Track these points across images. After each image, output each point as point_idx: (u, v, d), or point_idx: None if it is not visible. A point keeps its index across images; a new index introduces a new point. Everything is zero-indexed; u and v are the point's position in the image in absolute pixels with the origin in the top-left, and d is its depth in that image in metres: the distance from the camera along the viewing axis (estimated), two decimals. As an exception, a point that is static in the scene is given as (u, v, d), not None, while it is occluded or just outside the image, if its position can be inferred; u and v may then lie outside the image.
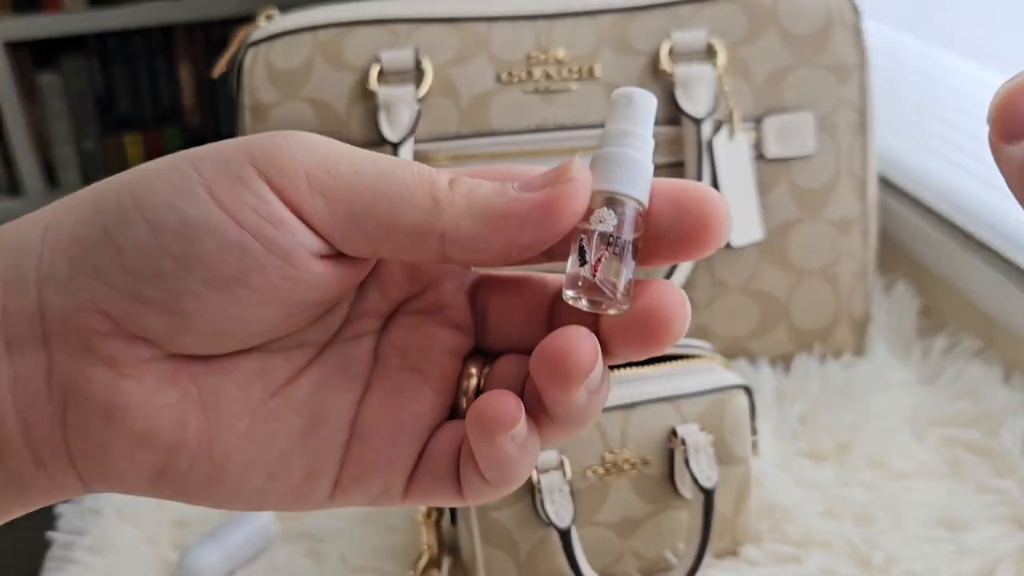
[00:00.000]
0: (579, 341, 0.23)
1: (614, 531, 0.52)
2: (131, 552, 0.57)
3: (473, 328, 0.26)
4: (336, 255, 0.23)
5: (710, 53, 0.65)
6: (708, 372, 0.53)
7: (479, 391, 0.26)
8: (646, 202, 0.24)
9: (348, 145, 0.24)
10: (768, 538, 0.55)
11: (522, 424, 0.23)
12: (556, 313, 0.25)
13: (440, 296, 0.26)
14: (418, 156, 0.63)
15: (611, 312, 0.24)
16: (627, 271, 0.23)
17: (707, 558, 0.51)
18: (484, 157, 0.64)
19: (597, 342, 0.23)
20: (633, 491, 0.52)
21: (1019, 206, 0.19)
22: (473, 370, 0.26)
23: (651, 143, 0.24)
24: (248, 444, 0.24)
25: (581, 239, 0.24)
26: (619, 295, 0.23)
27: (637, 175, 0.24)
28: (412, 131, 0.62)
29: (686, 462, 0.50)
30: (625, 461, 0.51)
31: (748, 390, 0.53)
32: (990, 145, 0.20)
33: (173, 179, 0.22)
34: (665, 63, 0.64)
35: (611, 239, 0.23)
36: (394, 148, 0.62)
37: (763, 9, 0.66)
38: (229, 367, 0.24)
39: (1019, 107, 0.19)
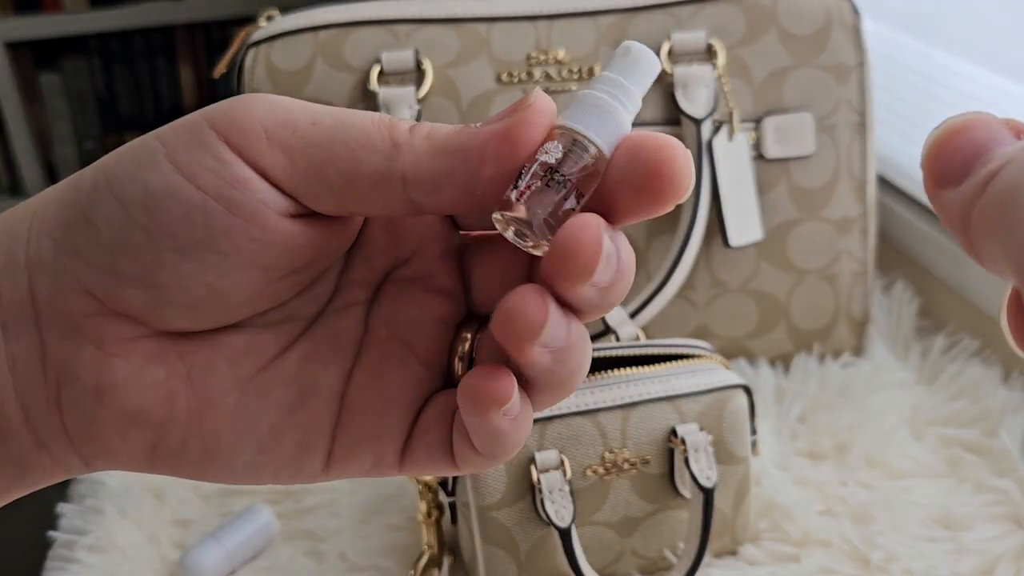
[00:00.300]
0: (527, 301, 0.22)
1: (614, 530, 0.52)
2: (132, 551, 0.57)
3: (462, 294, 0.26)
4: (305, 213, 0.23)
5: (710, 53, 0.65)
6: (708, 372, 0.53)
7: (472, 357, 0.26)
8: (607, 151, 0.23)
9: (310, 103, 0.23)
10: (767, 537, 0.56)
11: (515, 399, 0.23)
12: (534, 272, 0.25)
13: (425, 262, 0.26)
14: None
15: (536, 252, 0.23)
16: (556, 208, 0.22)
17: (707, 557, 0.51)
18: (484, 157, 0.64)
19: (549, 299, 0.22)
20: (633, 490, 0.52)
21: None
22: (467, 335, 0.26)
23: (636, 99, 0.23)
24: (237, 419, 0.25)
25: (524, 166, 0.23)
26: (538, 227, 0.22)
27: (604, 121, 0.23)
28: (412, 131, 0.62)
29: (686, 461, 0.50)
30: (625, 461, 0.51)
31: (748, 390, 0.53)
32: (927, 193, 0.20)
33: (138, 153, 0.23)
34: (665, 63, 0.64)
35: (550, 171, 0.23)
36: (394, 148, 0.62)
37: (762, 10, 0.66)
38: (217, 344, 0.25)
39: (951, 152, 0.19)
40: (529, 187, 0.22)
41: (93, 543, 0.57)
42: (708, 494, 0.50)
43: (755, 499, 0.56)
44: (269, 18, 0.66)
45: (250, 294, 0.24)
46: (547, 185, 0.22)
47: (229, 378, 0.25)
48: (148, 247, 0.22)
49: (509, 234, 0.23)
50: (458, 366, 0.26)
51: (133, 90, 1.83)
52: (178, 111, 1.84)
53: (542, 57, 0.65)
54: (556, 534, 0.50)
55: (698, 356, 0.54)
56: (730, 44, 0.65)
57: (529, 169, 0.23)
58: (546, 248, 0.22)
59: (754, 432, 0.54)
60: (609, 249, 0.22)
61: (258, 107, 0.23)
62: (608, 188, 0.23)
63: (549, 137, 0.23)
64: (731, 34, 0.65)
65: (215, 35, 1.80)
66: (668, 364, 0.53)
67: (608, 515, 0.52)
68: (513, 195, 0.22)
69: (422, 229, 0.26)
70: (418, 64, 0.63)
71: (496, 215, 0.23)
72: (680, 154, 0.22)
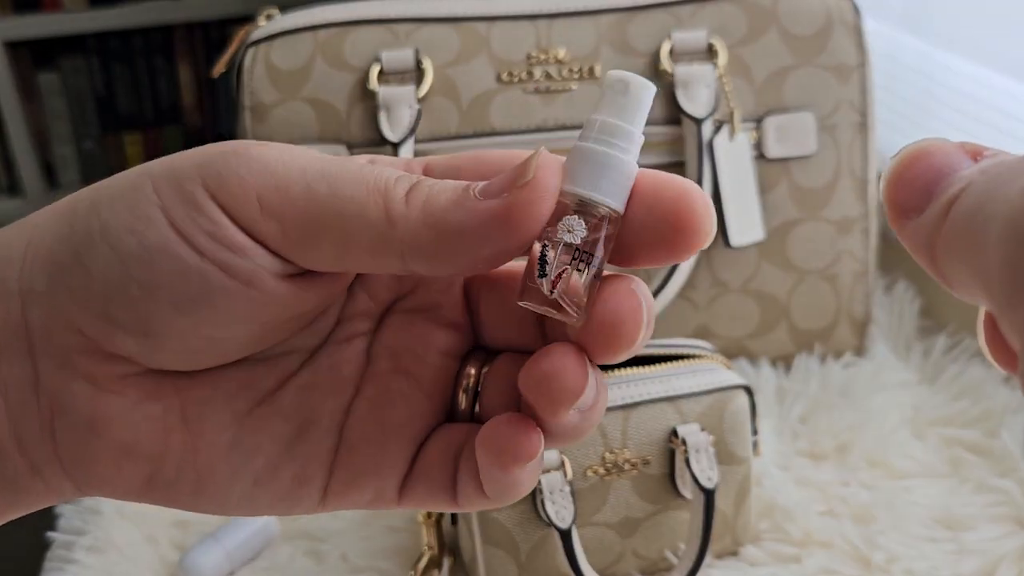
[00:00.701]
0: (566, 364, 0.21)
1: (615, 531, 0.52)
2: (131, 552, 0.57)
3: (468, 326, 0.26)
4: (303, 272, 0.23)
5: (711, 53, 0.65)
6: (709, 372, 0.53)
7: (477, 393, 0.25)
8: (623, 208, 0.22)
9: (307, 155, 0.23)
10: (768, 538, 0.55)
11: (540, 456, 0.23)
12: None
13: (431, 294, 0.25)
14: (418, 156, 0.63)
15: (566, 320, 0.22)
16: (589, 284, 0.22)
17: (707, 558, 0.51)
18: (484, 157, 0.64)
19: (586, 361, 0.22)
20: (634, 491, 0.52)
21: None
22: (471, 370, 0.25)
23: (639, 140, 0.22)
24: (233, 454, 0.24)
25: (545, 246, 0.21)
26: (577, 310, 0.21)
27: (616, 179, 0.22)
28: (412, 131, 0.62)
29: (687, 462, 0.50)
30: (626, 461, 0.51)
31: (749, 390, 0.53)
32: (891, 223, 0.19)
33: (133, 201, 0.22)
34: (665, 63, 0.64)
35: (577, 252, 0.21)
36: (394, 148, 0.62)
37: (763, 9, 0.65)
38: (214, 379, 0.24)
39: (910, 180, 0.19)
40: (560, 275, 0.21)
41: (92, 543, 0.57)
42: (709, 495, 0.50)
43: (756, 500, 0.56)
44: (268, 17, 0.66)
45: (248, 342, 0.23)
46: (578, 269, 0.21)
47: (225, 414, 0.24)
48: (143, 300, 0.22)
49: (541, 311, 0.22)
50: (462, 399, 0.25)
51: (132, 89, 1.82)
52: (177, 110, 1.84)
53: (542, 56, 0.64)
54: (557, 535, 0.49)
55: (699, 356, 0.54)
56: (731, 43, 0.65)
57: (554, 253, 0.21)
58: (577, 319, 0.22)
59: (755, 432, 0.54)
60: (646, 313, 0.22)
61: (249, 167, 0.22)
62: (628, 238, 0.22)
63: (560, 210, 0.22)
64: (732, 33, 0.65)
65: (214, 34, 1.80)
66: (669, 364, 0.53)
67: (609, 516, 0.52)
68: (544, 285, 0.21)
69: None
70: (418, 63, 0.63)
71: (524, 303, 0.22)
72: (700, 203, 0.21)
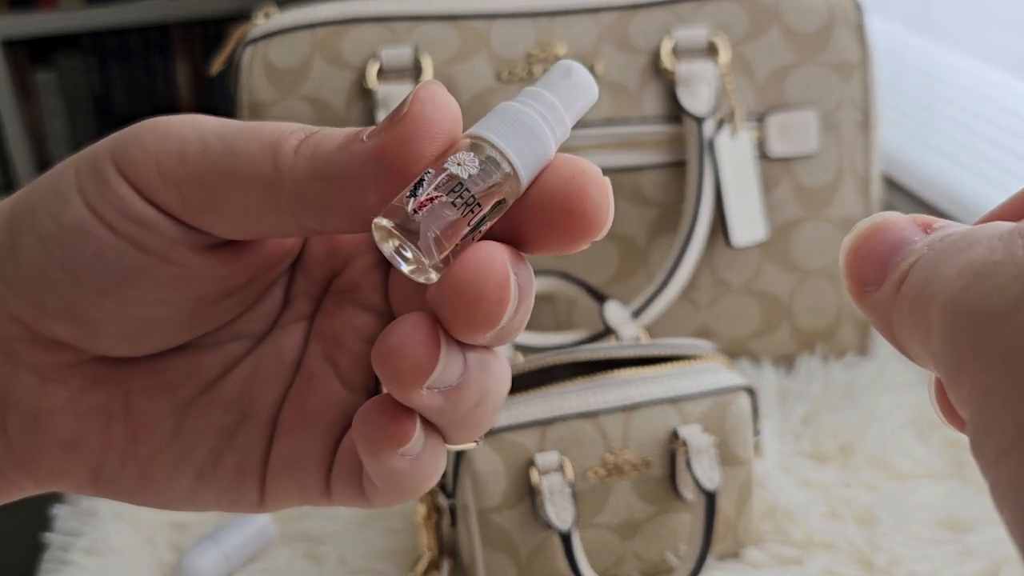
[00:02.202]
0: (409, 337, 0.19)
1: (615, 533, 0.52)
2: (127, 554, 0.56)
3: (390, 311, 0.24)
4: (220, 243, 0.22)
5: (712, 51, 0.64)
6: (710, 373, 0.53)
7: None
8: (523, 179, 0.20)
9: (210, 119, 0.22)
10: (770, 539, 0.55)
11: (416, 440, 0.21)
12: None
13: (355, 274, 0.24)
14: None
15: (418, 278, 0.20)
16: (453, 230, 0.19)
17: (709, 560, 0.51)
18: (484, 155, 0.63)
19: (438, 335, 0.20)
20: (634, 493, 0.51)
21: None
22: None
23: (566, 127, 0.21)
24: (175, 444, 0.24)
25: (427, 172, 0.19)
26: (425, 246, 0.19)
27: (532, 146, 0.20)
28: (411, 129, 0.62)
29: (688, 464, 0.50)
30: (626, 463, 0.51)
31: (751, 391, 0.53)
32: (852, 297, 0.20)
33: (55, 183, 0.22)
34: (667, 61, 0.64)
35: (458, 188, 0.19)
36: (393, 146, 0.61)
37: (765, 6, 0.65)
38: (158, 367, 0.23)
39: (865, 256, 0.19)
40: (432, 200, 0.19)
41: (88, 545, 0.57)
42: (711, 496, 0.50)
43: (758, 501, 0.56)
44: (266, 15, 0.66)
45: (183, 322, 0.23)
46: (452, 204, 0.19)
47: (167, 403, 0.24)
48: (67, 283, 0.21)
49: (386, 247, 0.20)
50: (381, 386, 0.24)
51: (129, 88, 1.82)
52: (174, 109, 1.84)
53: (542, 54, 0.64)
54: (557, 537, 0.49)
55: (700, 357, 0.54)
56: (733, 41, 0.65)
57: (435, 178, 0.19)
58: (432, 276, 0.19)
59: (757, 433, 0.54)
60: (514, 290, 0.19)
61: (152, 137, 0.21)
62: (516, 220, 0.20)
63: (459, 147, 0.20)
64: (733, 31, 0.65)
65: (212, 32, 1.80)
66: (670, 365, 0.53)
67: (609, 518, 0.51)
68: (410, 204, 0.19)
69: (355, 238, 0.24)
70: (417, 61, 0.63)
71: (380, 220, 0.19)
72: (595, 186, 0.20)
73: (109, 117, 1.82)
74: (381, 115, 0.62)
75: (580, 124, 0.64)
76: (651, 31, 0.65)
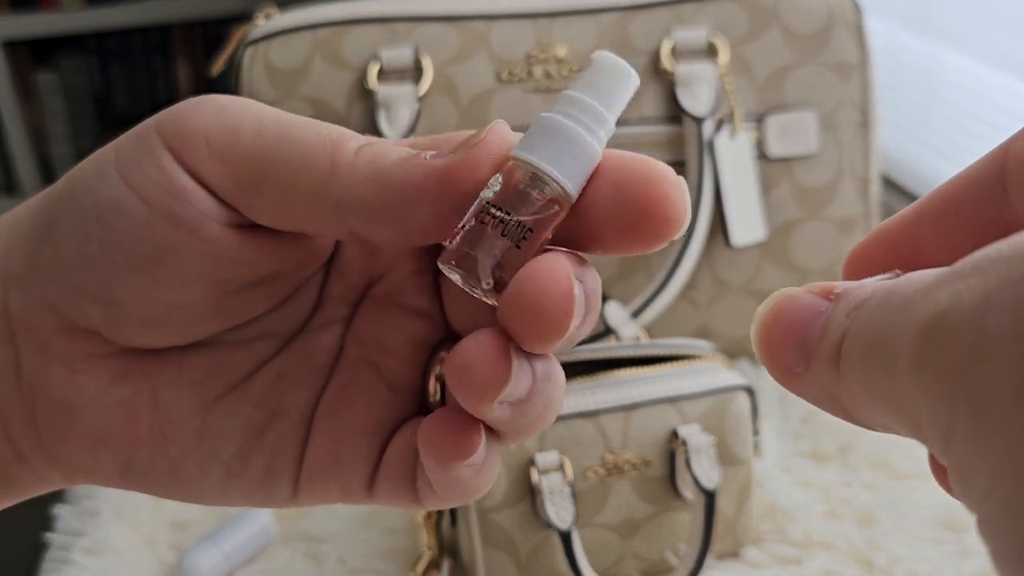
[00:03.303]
0: (482, 353, 0.20)
1: (615, 532, 0.52)
2: (128, 554, 0.57)
3: (439, 314, 0.24)
4: (251, 225, 0.22)
5: (711, 51, 0.64)
6: (710, 373, 0.53)
7: (445, 383, 0.24)
8: (572, 189, 0.20)
9: (264, 106, 0.22)
10: (770, 539, 0.55)
11: (481, 451, 0.21)
12: None
13: (399, 279, 0.24)
14: (418, 155, 0.63)
15: (488, 301, 0.20)
16: (498, 251, 0.20)
17: (708, 559, 0.51)
18: (484, 156, 0.63)
19: (509, 349, 0.20)
20: (634, 492, 0.51)
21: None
22: (444, 356, 0.24)
23: (610, 127, 0.20)
24: (203, 442, 0.24)
25: (475, 202, 0.20)
26: (483, 274, 0.20)
27: (576, 158, 0.20)
28: (412, 130, 0.62)
29: (687, 463, 0.50)
30: (626, 462, 0.51)
31: (750, 391, 0.53)
32: (781, 384, 0.19)
33: (95, 162, 0.22)
34: (666, 61, 0.64)
35: (490, 209, 0.20)
36: (393, 147, 0.61)
37: (764, 7, 0.65)
38: (184, 363, 0.24)
39: (779, 341, 0.18)
40: (463, 227, 0.20)
41: (89, 545, 0.57)
42: (710, 496, 0.50)
43: (757, 501, 0.56)
44: (267, 16, 0.66)
45: (209, 309, 0.23)
46: (481, 222, 0.20)
47: (194, 400, 0.24)
48: (102, 261, 0.22)
49: (456, 278, 0.20)
50: (435, 390, 0.24)
51: (130, 88, 1.82)
52: (176, 109, 1.84)
53: (542, 55, 0.64)
54: (557, 536, 0.49)
55: (700, 357, 0.54)
56: (732, 42, 0.65)
57: (472, 211, 0.20)
58: (479, 289, 0.20)
59: (756, 433, 0.54)
60: (580, 298, 0.19)
61: (205, 112, 0.21)
62: (591, 226, 0.21)
63: (498, 169, 0.20)
64: (733, 32, 0.65)
65: (212, 33, 1.80)
66: (670, 364, 0.53)
67: (609, 517, 0.51)
68: (456, 240, 0.20)
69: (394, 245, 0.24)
70: (417, 62, 0.63)
71: (440, 262, 0.20)
72: (675, 189, 0.20)
73: (110, 117, 1.82)
74: (382, 116, 0.62)
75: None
76: (651, 32, 0.65)
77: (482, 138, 0.20)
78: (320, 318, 0.25)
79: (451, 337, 0.24)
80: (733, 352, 0.68)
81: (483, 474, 0.22)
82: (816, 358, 0.18)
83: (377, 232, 0.21)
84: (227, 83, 0.66)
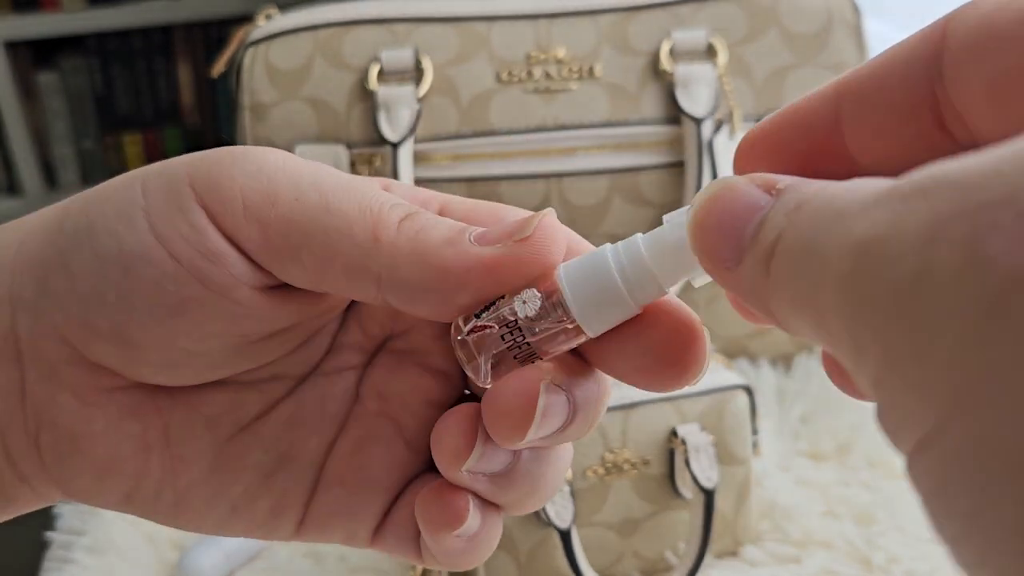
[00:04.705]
0: (448, 425, 0.21)
1: (614, 531, 0.52)
2: (130, 552, 0.57)
3: (458, 376, 0.24)
4: (281, 285, 0.22)
5: (710, 52, 0.65)
6: (709, 372, 0.53)
7: None
8: (589, 333, 0.20)
9: (303, 163, 0.22)
10: (769, 538, 0.55)
11: (471, 522, 0.22)
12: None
13: (421, 339, 0.24)
14: (418, 155, 0.63)
15: (479, 384, 0.21)
16: (503, 360, 0.21)
17: (707, 558, 0.51)
18: (484, 157, 0.64)
19: (475, 428, 0.21)
20: (633, 491, 0.52)
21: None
22: None
23: (656, 292, 0.20)
24: (211, 480, 0.24)
25: (503, 296, 0.20)
26: (479, 372, 0.21)
27: (609, 316, 0.20)
28: (412, 131, 0.62)
29: (686, 462, 0.50)
30: (625, 461, 0.51)
31: (749, 390, 0.53)
32: (710, 275, 0.18)
33: (120, 202, 0.21)
34: (665, 62, 0.64)
35: (512, 327, 0.20)
36: (394, 148, 0.62)
37: (763, 8, 0.65)
38: (197, 401, 0.23)
39: (714, 230, 0.17)
40: (484, 328, 0.20)
41: (91, 544, 0.57)
42: (709, 495, 0.50)
43: (756, 500, 0.56)
44: (267, 17, 0.66)
45: (227, 357, 0.23)
46: (502, 338, 0.20)
47: (205, 439, 0.23)
48: (120, 306, 0.21)
49: (458, 353, 0.21)
50: None
51: (131, 89, 1.82)
52: (176, 110, 1.84)
53: (542, 56, 0.64)
54: (556, 535, 0.49)
55: (699, 356, 0.54)
56: (731, 43, 0.65)
57: (498, 307, 0.20)
58: (487, 385, 0.21)
59: (755, 432, 0.54)
60: (552, 406, 0.20)
61: (241, 171, 0.21)
62: (610, 355, 0.21)
63: (541, 280, 0.20)
64: (732, 33, 0.65)
65: (214, 34, 1.80)
66: (669, 364, 0.53)
67: (608, 516, 0.51)
68: (468, 326, 0.21)
69: None
70: (417, 63, 0.63)
71: (453, 333, 0.21)
72: (699, 342, 0.20)
73: (111, 118, 1.82)
74: (382, 116, 0.62)
75: (580, 126, 0.64)
76: (650, 33, 0.65)
77: (530, 234, 0.20)
78: (333, 363, 0.25)
79: (467, 399, 0.25)
80: (732, 352, 0.68)
81: (478, 545, 0.23)
82: (748, 255, 0.17)
83: (415, 308, 0.21)
84: (228, 84, 0.66)
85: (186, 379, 0.23)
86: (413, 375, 0.24)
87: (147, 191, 0.21)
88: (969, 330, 0.12)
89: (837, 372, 0.19)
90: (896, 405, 0.14)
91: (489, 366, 0.21)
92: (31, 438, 0.22)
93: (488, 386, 0.21)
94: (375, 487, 0.24)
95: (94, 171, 1.81)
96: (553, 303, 0.20)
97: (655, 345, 0.20)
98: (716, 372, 0.53)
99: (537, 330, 0.20)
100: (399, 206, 0.21)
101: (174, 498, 0.23)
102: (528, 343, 0.20)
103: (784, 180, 0.17)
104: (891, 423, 0.14)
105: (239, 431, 0.24)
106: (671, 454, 0.51)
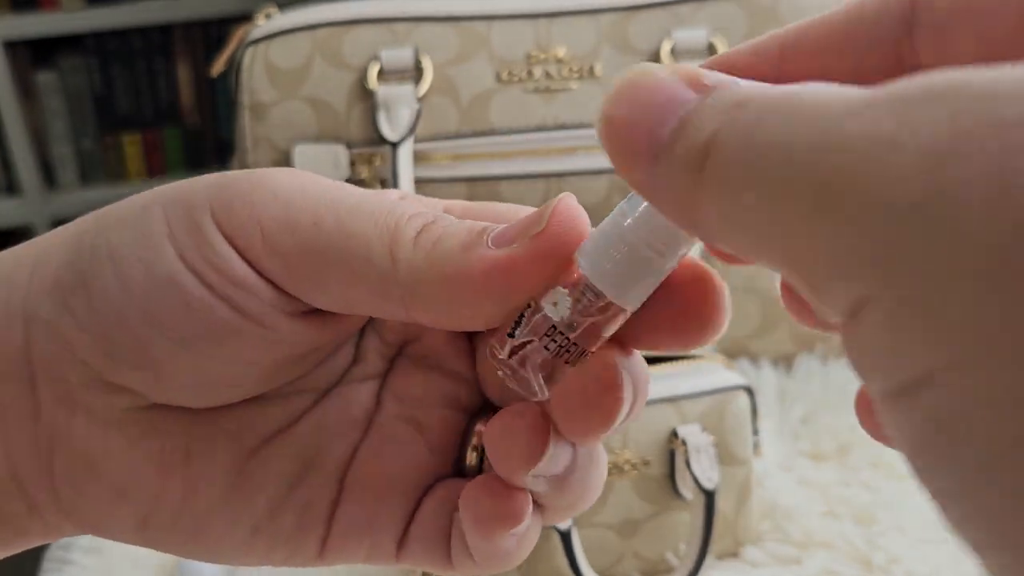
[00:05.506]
0: (518, 429, 0.20)
1: (615, 532, 0.52)
2: (129, 553, 0.57)
3: (473, 378, 0.24)
4: (313, 309, 0.21)
5: (711, 52, 0.64)
6: (709, 372, 0.53)
7: (483, 452, 0.23)
8: (629, 308, 0.19)
9: (323, 185, 0.21)
10: (769, 539, 0.55)
11: (527, 521, 0.21)
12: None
13: (435, 342, 0.24)
14: (418, 155, 0.63)
15: (534, 399, 0.20)
16: (553, 366, 0.20)
17: (708, 559, 0.51)
18: (484, 157, 0.63)
19: (548, 427, 0.20)
20: (634, 492, 0.51)
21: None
22: (481, 428, 0.23)
23: (687, 246, 0.19)
24: (234, 496, 0.23)
25: (529, 307, 0.19)
26: (532, 387, 0.20)
27: (643, 284, 0.19)
28: (412, 130, 0.62)
29: (687, 463, 0.50)
30: (626, 462, 0.51)
31: (749, 390, 0.53)
32: (620, 171, 0.16)
33: (142, 228, 0.21)
34: (666, 62, 0.64)
35: (552, 332, 0.19)
36: (393, 147, 0.61)
37: (764, 8, 0.65)
38: (220, 416, 0.23)
39: (631, 121, 0.16)
40: (523, 345, 0.19)
41: (89, 544, 0.57)
42: (710, 496, 0.50)
43: (757, 500, 0.56)
44: (267, 16, 0.66)
45: (261, 379, 0.22)
46: (546, 347, 0.19)
47: (229, 453, 0.23)
48: (144, 331, 0.21)
49: (506, 379, 0.20)
50: (471, 457, 0.24)
51: (130, 89, 1.82)
52: (176, 110, 1.84)
53: (542, 56, 0.64)
54: (557, 536, 0.49)
55: (700, 356, 0.54)
56: (732, 42, 0.65)
57: (530, 319, 0.19)
58: (531, 395, 0.20)
59: (756, 433, 0.54)
60: (629, 394, 0.20)
61: (259, 200, 0.21)
62: (642, 330, 0.20)
63: (564, 275, 0.19)
64: (733, 33, 0.65)
65: (213, 33, 1.80)
66: (669, 364, 0.53)
67: (609, 517, 0.51)
68: (507, 348, 0.20)
69: None
70: (417, 62, 0.63)
71: (494, 363, 0.20)
72: (720, 290, 0.20)
73: (110, 118, 1.82)
74: (382, 116, 0.62)
75: (581, 126, 0.64)
76: (650, 32, 0.65)
77: (545, 225, 0.19)
78: (357, 372, 0.24)
79: (487, 404, 0.24)
80: (733, 352, 0.68)
81: (524, 544, 0.22)
82: (669, 154, 0.15)
83: (446, 323, 0.20)
84: (227, 83, 0.66)
85: (212, 401, 0.22)
86: (429, 378, 0.24)
87: (169, 218, 0.21)
88: (991, 264, 0.11)
89: (793, 297, 0.18)
90: (883, 340, 0.12)
91: (541, 379, 0.20)
92: (44, 464, 0.22)
93: (546, 399, 0.20)
94: (397, 491, 0.23)
95: (93, 171, 1.81)
96: (583, 292, 0.19)
97: (687, 306, 0.20)
98: (717, 372, 0.53)
99: (576, 326, 0.19)
100: (417, 216, 0.21)
101: (192, 523, 0.23)
102: (575, 343, 0.19)
103: (712, 76, 0.15)
104: (870, 359, 0.12)
105: (262, 444, 0.23)
106: (672, 455, 0.51)
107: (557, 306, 0.19)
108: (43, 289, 0.21)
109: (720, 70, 0.17)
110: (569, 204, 0.20)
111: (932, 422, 0.12)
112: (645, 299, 0.19)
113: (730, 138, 0.14)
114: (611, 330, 0.20)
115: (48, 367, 0.21)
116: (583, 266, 0.19)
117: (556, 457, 0.21)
